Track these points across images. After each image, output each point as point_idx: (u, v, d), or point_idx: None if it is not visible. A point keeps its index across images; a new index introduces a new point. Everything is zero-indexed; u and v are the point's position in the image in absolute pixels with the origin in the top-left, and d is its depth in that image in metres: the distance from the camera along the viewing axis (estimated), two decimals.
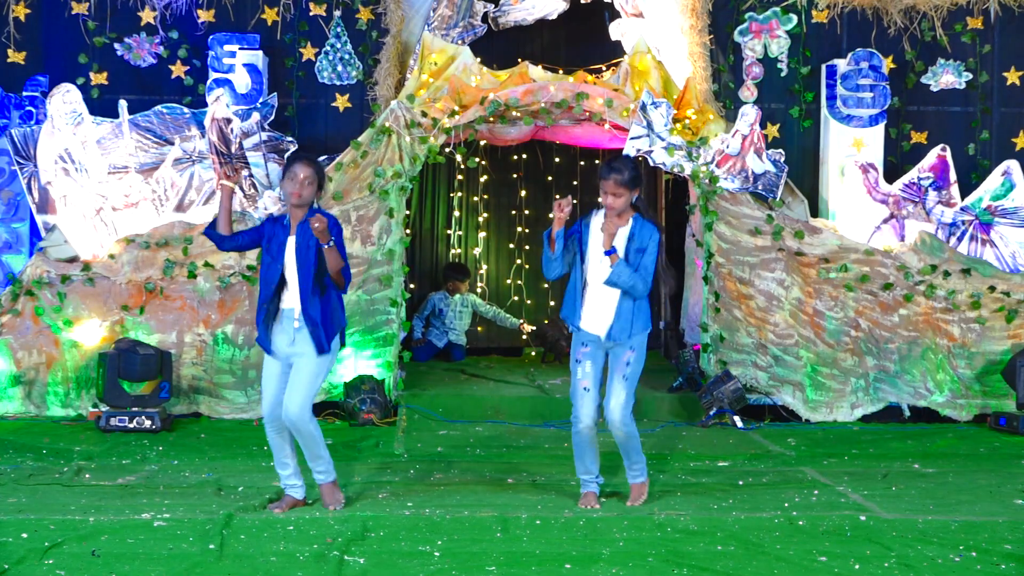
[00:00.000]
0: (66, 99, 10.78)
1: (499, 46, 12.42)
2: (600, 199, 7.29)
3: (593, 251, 7.31)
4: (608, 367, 7.43)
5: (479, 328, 13.99)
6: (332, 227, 6.97)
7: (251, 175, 10.81)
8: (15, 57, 11.13)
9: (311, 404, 7.11)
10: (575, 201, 13.90)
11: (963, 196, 11.40)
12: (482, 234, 14.25)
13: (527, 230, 14.24)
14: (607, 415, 7.38)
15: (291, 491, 7.25)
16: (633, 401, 7.39)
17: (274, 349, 7.15)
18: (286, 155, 10.90)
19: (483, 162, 13.85)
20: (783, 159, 11.03)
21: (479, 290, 14.19)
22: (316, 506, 7.22)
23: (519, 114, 10.89)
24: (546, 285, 14.23)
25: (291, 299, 7.10)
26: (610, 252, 7.19)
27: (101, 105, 11.01)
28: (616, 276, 7.18)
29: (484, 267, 14.26)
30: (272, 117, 10.93)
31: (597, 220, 7.38)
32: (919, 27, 11.61)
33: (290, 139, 10.95)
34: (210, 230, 7.28)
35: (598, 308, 7.31)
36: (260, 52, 11.02)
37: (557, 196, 7.46)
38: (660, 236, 7.33)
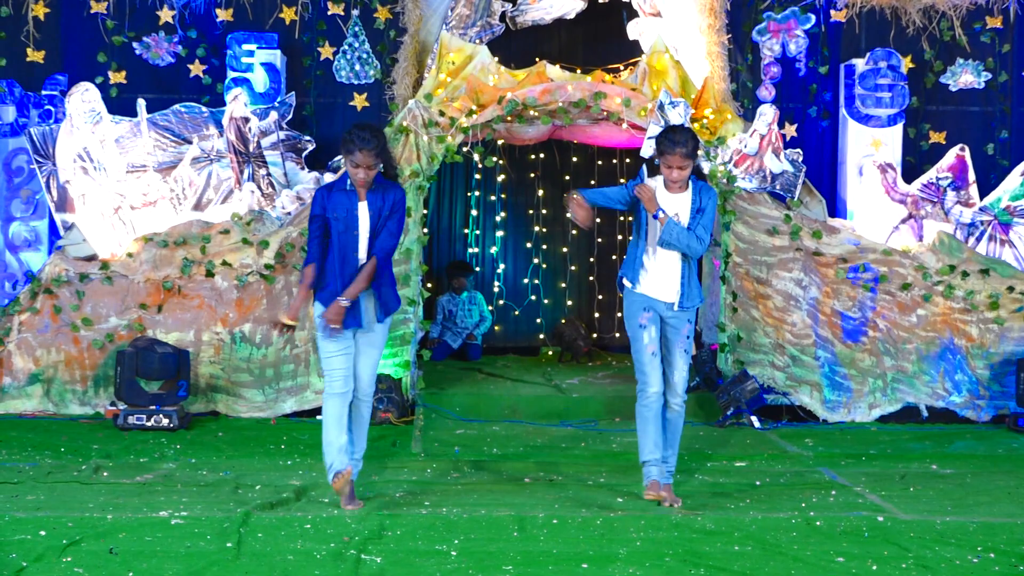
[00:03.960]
0: (85, 98, 10.81)
1: (517, 45, 12.43)
2: (663, 172, 7.29)
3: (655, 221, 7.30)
4: (664, 340, 7.41)
5: (496, 327, 13.99)
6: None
7: (268, 174, 10.83)
8: (34, 56, 11.17)
9: None
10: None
11: (982, 196, 11.36)
12: (499, 233, 14.25)
13: (544, 229, 14.24)
14: (670, 389, 7.37)
15: (339, 465, 7.20)
16: None
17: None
18: (303, 154, 10.92)
19: (501, 161, 13.84)
20: (801, 159, 11.01)
21: (496, 289, 14.19)
22: (333, 505, 7.23)
23: (537, 113, 10.88)
24: (563, 284, 14.23)
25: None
26: (656, 215, 7.19)
27: (119, 104, 11.04)
28: (668, 235, 7.21)
29: (502, 266, 14.26)
30: (290, 116, 10.95)
31: (654, 182, 7.37)
32: (938, 26, 11.58)
33: (308, 138, 10.97)
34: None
35: (662, 274, 7.32)
36: (278, 51, 11.04)
37: (573, 195, 7.40)
38: (717, 196, 7.42)
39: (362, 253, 7.22)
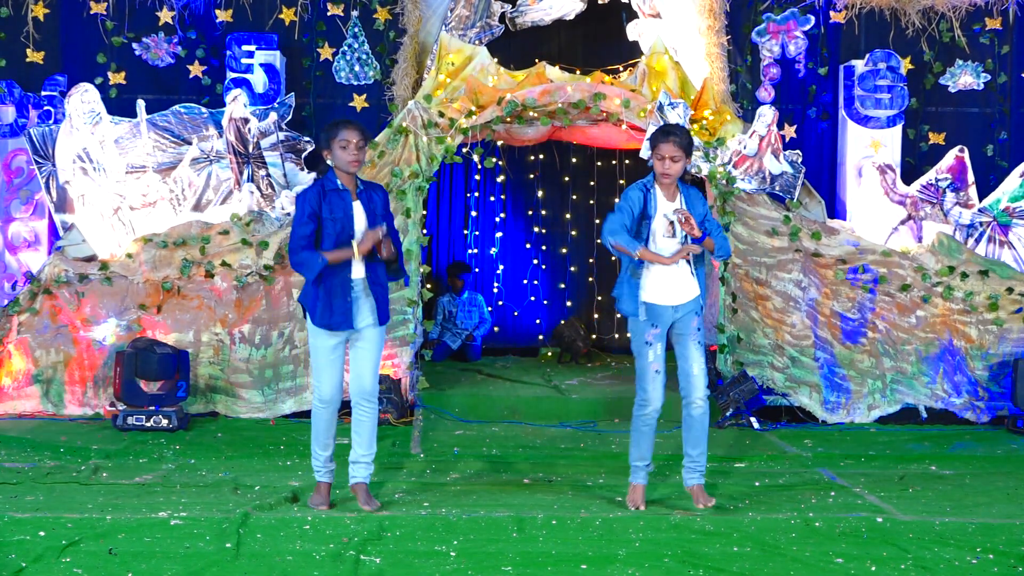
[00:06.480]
0: (84, 98, 10.81)
1: (516, 46, 12.43)
2: (655, 167, 7.24)
3: (659, 228, 7.25)
4: (676, 337, 7.38)
5: (495, 328, 14.00)
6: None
7: (268, 175, 10.83)
8: (34, 56, 11.17)
9: None
10: (592, 201, 14.05)
11: (981, 197, 11.35)
12: (499, 234, 14.26)
13: (544, 230, 14.25)
14: (690, 385, 7.31)
15: (324, 476, 7.26)
16: None
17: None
18: (303, 155, 10.92)
19: (500, 162, 13.85)
20: (800, 160, 11.01)
21: (495, 290, 14.19)
22: (332, 506, 7.23)
23: (536, 114, 10.88)
24: (563, 285, 14.24)
25: (357, 269, 7.09)
26: (700, 241, 7.20)
27: (119, 105, 11.04)
28: (721, 251, 7.32)
29: (501, 267, 14.27)
30: (289, 117, 10.95)
31: (654, 194, 7.32)
32: (937, 28, 11.58)
33: (307, 139, 10.96)
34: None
35: (670, 280, 7.27)
36: (278, 52, 11.04)
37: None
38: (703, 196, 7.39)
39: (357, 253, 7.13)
